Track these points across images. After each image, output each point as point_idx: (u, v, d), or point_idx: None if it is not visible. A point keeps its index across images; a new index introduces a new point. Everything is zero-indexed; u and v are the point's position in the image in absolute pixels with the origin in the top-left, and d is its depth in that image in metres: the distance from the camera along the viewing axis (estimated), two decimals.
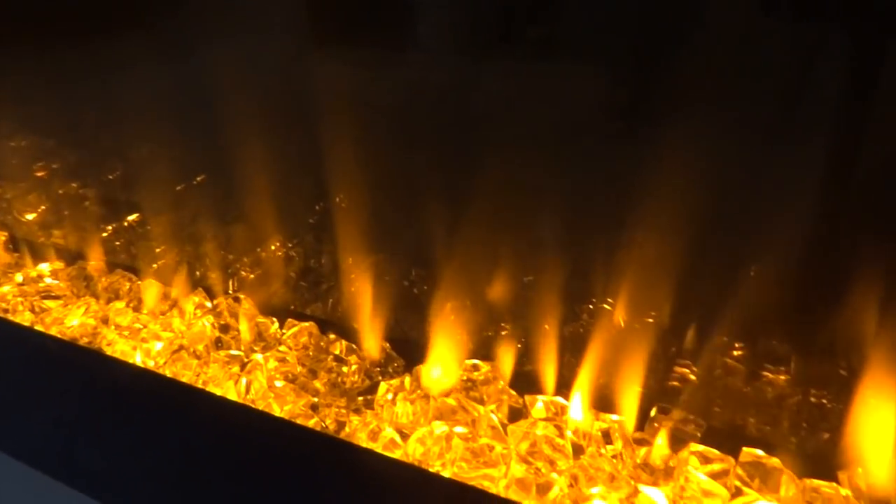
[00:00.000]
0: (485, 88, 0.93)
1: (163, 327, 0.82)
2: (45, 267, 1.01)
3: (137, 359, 0.79)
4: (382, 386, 0.70)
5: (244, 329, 0.79)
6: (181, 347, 0.76)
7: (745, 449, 0.59)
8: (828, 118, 0.72)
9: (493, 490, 0.59)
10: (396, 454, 0.64)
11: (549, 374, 0.76)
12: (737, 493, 0.56)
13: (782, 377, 0.69)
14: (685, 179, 0.83)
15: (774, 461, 0.57)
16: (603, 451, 0.61)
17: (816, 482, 0.57)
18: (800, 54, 0.75)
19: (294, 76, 1.05)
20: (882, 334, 0.67)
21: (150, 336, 0.81)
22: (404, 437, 0.64)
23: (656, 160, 0.82)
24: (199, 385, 0.75)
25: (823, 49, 0.76)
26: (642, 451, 0.61)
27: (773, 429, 0.66)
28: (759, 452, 0.58)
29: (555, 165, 0.83)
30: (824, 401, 0.68)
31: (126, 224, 1.08)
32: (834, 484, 0.57)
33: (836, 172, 0.74)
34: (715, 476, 0.57)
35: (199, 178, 1.12)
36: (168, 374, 0.76)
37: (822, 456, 0.62)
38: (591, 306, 0.80)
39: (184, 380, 0.75)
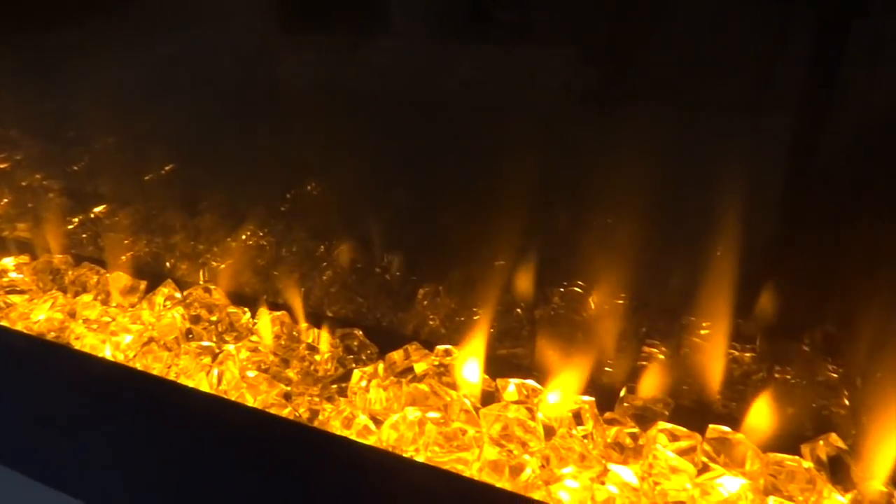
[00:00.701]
0: (457, 72, 0.93)
1: (132, 320, 0.81)
2: (8, 261, 0.99)
3: (107, 352, 0.78)
4: (356, 373, 0.70)
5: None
6: (151, 340, 0.76)
7: (711, 426, 0.60)
8: (793, 101, 0.74)
9: (466, 473, 0.60)
10: (370, 440, 0.64)
11: (520, 357, 0.76)
12: (704, 468, 0.58)
13: (748, 355, 0.70)
14: (655, 161, 0.84)
15: (739, 436, 0.59)
16: (574, 431, 0.62)
17: (780, 456, 0.58)
18: (768, 38, 0.76)
19: (262, 63, 1.04)
20: (844, 311, 0.69)
21: (120, 329, 0.80)
22: (378, 423, 0.65)
23: (627, 142, 0.82)
24: (171, 377, 0.75)
25: (791, 32, 0.77)
26: (613, 430, 0.62)
27: (739, 405, 0.67)
28: (725, 429, 0.60)
29: (526, 148, 0.84)
30: (788, 377, 0.69)
31: (92, 216, 1.07)
32: (796, 457, 0.58)
33: (802, 155, 0.76)
34: (682, 453, 0.58)
35: (166, 168, 1.11)
36: (139, 366, 0.76)
37: (786, 430, 0.64)
38: (562, 289, 0.80)
39: (155, 372, 0.74)
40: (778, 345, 0.70)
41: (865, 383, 0.67)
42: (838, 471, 0.57)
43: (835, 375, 0.68)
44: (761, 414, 0.64)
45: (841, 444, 0.59)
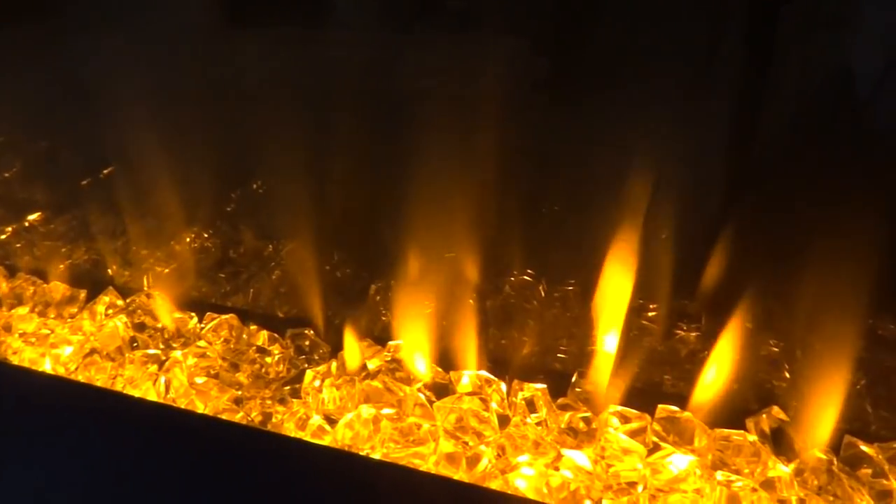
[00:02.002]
0: (406, 63, 0.92)
1: (72, 331, 0.78)
2: None
3: (47, 366, 0.75)
4: (308, 373, 0.69)
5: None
6: (93, 351, 0.73)
7: (660, 406, 0.61)
8: (732, 86, 0.76)
9: (423, 467, 0.60)
10: (326, 440, 0.64)
11: (474, 348, 0.77)
12: (654, 448, 0.59)
13: (693, 334, 0.72)
14: (603, 149, 0.85)
15: (687, 415, 0.60)
16: (528, 419, 0.63)
17: (727, 431, 0.60)
18: (712, 25, 0.77)
19: (204, 59, 1.01)
20: (783, 287, 0.71)
21: (59, 341, 0.77)
22: (332, 422, 0.64)
23: (576, 131, 0.83)
24: (117, 388, 0.73)
25: (727, 18, 0.79)
26: (566, 416, 0.63)
27: (687, 383, 0.69)
28: (674, 408, 0.61)
29: (476, 139, 0.84)
30: (734, 355, 0.71)
31: (27, 224, 1.02)
32: (742, 431, 0.60)
33: (740, 138, 0.78)
34: (633, 434, 0.59)
35: (105, 171, 1.07)
36: (81, 379, 0.73)
37: (732, 406, 0.66)
38: (512, 279, 0.81)
39: (99, 384, 0.72)
40: (721, 323, 0.72)
41: (805, 355, 0.69)
42: (781, 442, 0.60)
43: (776, 350, 0.71)
44: (708, 391, 0.65)
45: (783, 415, 0.61)
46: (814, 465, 0.57)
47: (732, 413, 0.63)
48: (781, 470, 0.57)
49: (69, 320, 0.82)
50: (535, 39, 0.88)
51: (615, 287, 0.79)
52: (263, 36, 1.04)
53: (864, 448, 0.58)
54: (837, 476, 0.57)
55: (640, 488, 0.56)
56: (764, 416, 0.60)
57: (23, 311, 0.83)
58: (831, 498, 0.56)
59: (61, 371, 0.74)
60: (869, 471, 0.57)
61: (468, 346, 0.76)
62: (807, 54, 0.75)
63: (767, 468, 0.57)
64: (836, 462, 0.57)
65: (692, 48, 0.81)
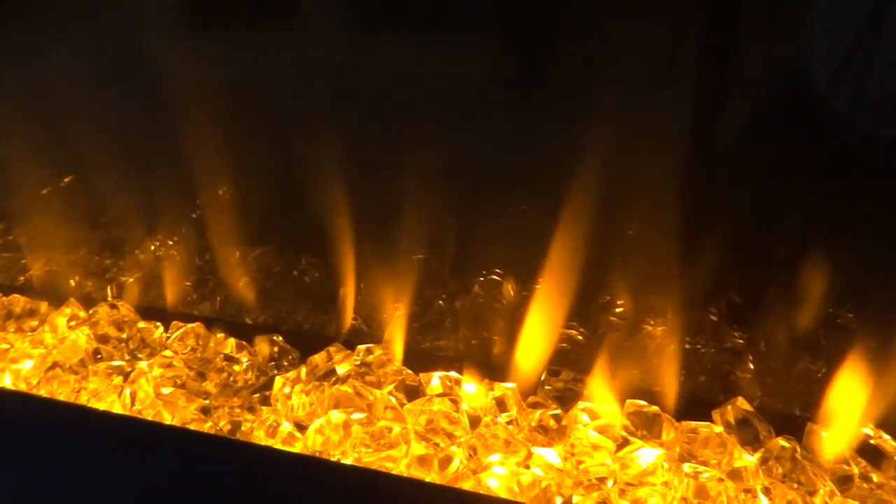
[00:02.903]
0: (373, 65, 0.92)
1: (33, 344, 0.76)
2: None
3: (7, 381, 0.73)
4: (278, 380, 0.69)
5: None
6: (55, 364, 0.71)
7: (628, 400, 0.62)
8: (696, 82, 0.77)
9: (395, 470, 0.60)
10: (297, 447, 0.63)
11: (444, 348, 0.77)
12: (623, 443, 0.60)
13: (660, 329, 0.73)
14: (569, 148, 0.86)
15: (654, 409, 0.61)
16: (499, 418, 0.63)
17: (693, 423, 0.61)
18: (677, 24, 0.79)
19: (166, 65, 0.99)
20: (746, 280, 0.72)
21: (20, 355, 0.75)
22: (302, 429, 0.63)
23: (542, 130, 0.84)
24: (82, 401, 0.71)
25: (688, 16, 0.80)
26: (536, 413, 0.64)
27: (656, 378, 0.70)
28: (642, 402, 0.62)
29: (443, 139, 0.84)
30: (698, 346, 0.73)
31: None
32: (709, 423, 0.61)
33: (704, 134, 0.79)
34: (602, 430, 0.60)
35: (66, 180, 1.05)
36: (43, 393, 0.71)
37: (698, 398, 0.67)
38: (481, 278, 0.81)
39: (61, 398, 0.70)
40: (687, 317, 0.73)
41: (768, 346, 0.71)
42: (747, 432, 0.61)
43: (740, 342, 0.72)
44: (674, 384, 0.66)
45: (748, 406, 0.62)
46: (778, 454, 0.58)
47: (700, 405, 0.64)
48: (747, 459, 0.58)
49: (30, 334, 0.80)
50: (504, 40, 0.88)
51: (584, 284, 0.79)
52: (228, 39, 1.03)
53: (826, 435, 0.59)
54: (801, 463, 0.58)
55: (609, 483, 0.56)
56: (729, 407, 0.61)
57: None
58: (795, 485, 0.57)
59: (22, 386, 0.73)
60: (831, 457, 0.58)
61: (438, 347, 0.76)
62: (768, 52, 0.77)
63: (734, 458, 0.58)
64: (799, 450, 0.59)
65: (658, 46, 0.82)
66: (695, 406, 0.65)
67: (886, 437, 0.59)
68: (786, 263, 0.72)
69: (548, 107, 0.87)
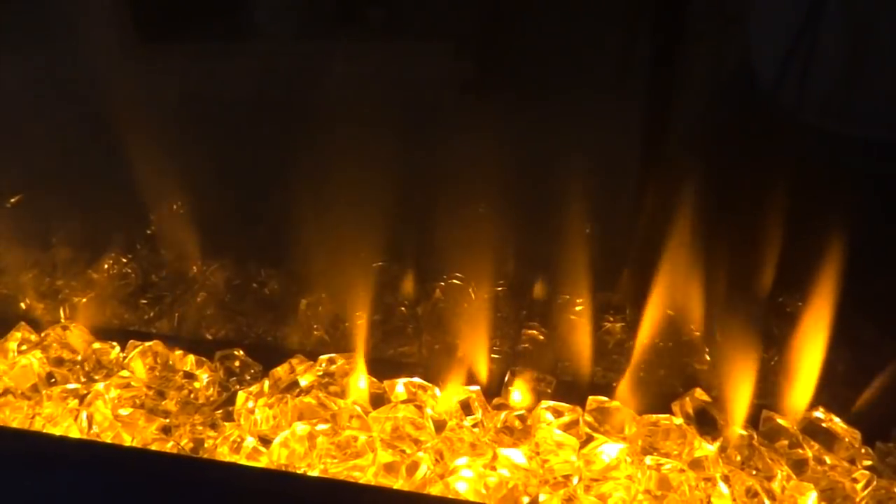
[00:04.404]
0: (328, 72, 0.91)
1: None
2: None
3: None
4: (241, 395, 0.68)
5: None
6: (6, 391, 0.69)
7: (591, 397, 0.63)
8: (647, 84, 0.78)
9: (363, 480, 0.60)
10: (262, 462, 0.62)
11: (407, 355, 0.77)
12: (587, 439, 0.60)
13: (619, 325, 0.74)
14: (525, 150, 0.87)
15: (615, 404, 0.62)
16: (465, 422, 0.63)
17: (654, 416, 0.62)
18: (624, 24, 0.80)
19: (118, 78, 0.98)
20: (698, 275, 0.74)
21: None
22: (267, 443, 0.63)
23: (496, 133, 0.85)
24: (37, 428, 0.69)
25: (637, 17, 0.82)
26: (502, 414, 0.64)
27: (616, 374, 0.71)
28: (603, 398, 0.63)
29: (401, 145, 0.84)
30: (658, 342, 0.74)
31: None
32: (669, 415, 0.62)
33: (656, 133, 0.81)
34: (566, 427, 0.61)
35: (12, 200, 1.02)
36: None
37: (660, 391, 0.68)
38: (442, 283, 0.82)
39: (15, 425, 0.68)
40: (645, 312, 0.74)
41: (722, 337, 0.73)
42: (705, 422, 0.62)
43: (697, 333, 0.74)
44: (635, 379, 0.68)
45: (705, 396, 0.63)
46: (736, 442, 0.60)
47: (661, 398, 0.66)
48: (707, 449, 0.59)
49: None
50: (460, 43, 0.89)
51: (543, 285, 0.80)
52: (179, 50, 1.01)
53: (780, 421, 0.61)
54: (758, 450, 0.59)
55: (574, 480, 0.57)
56: (688, 398, 0.63)
57: None
58: (754, 472, 0.59)
59: None
60: (786, 442, 0.60)
61: (402, 353, 0.76)
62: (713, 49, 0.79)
63: (694, 448, 0.60)
64: (755, 437, 0.60)
65: (608, 46, 0.84)
66: (655, 399, 0.66)
67: (836, 419, 0.61)
68: (737, 255, 0.74)
69: (505, 109, 0.88)
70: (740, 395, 0.63)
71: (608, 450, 0.58)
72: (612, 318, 0.76)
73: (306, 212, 0.85)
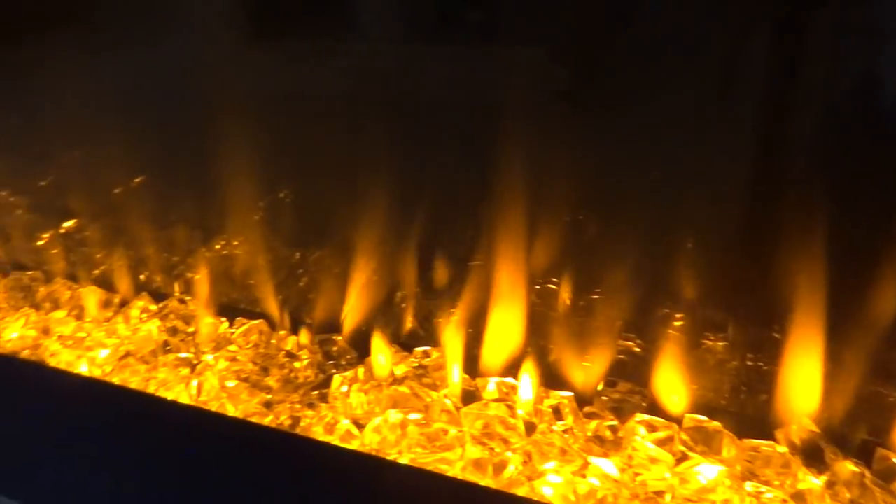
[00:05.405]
0: (427, 75, 0.93)
1: (107, 334, 0.80)
2: None
3: (83, 368, 0.77)
4: (336, 378, 0.70)
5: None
6: (128, 354, 0.75)
7: (687, 415, 0.61)
8: (760, 99, 0.75)
9: (450, 473, 0.61)
10: (353, 445, 0.64)
11: (499, 355, 0.77)
12: (682, 457, 0.59)
13: (721, 344, 0.72)
14: (627, 158, 0.85)
15: (715, 425, 0.60)
16: (554, 427, 0.63)
17: (755, 441, 0.60)
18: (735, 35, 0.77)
19: (232, 71, 1.03)
20: (811, 298, 0.70)
21: (95, 344, 0.79)
22: (360, 427, 0.65)
23: (598, 140, 0.84)
24: (150, 390, 0.74)
25: (753, 27, 0.79)
26: (592, 424, 0.63)
27: (715, 394, 0.69)
28: (702, 417, 0.61)
29: (498, 149, 0.84)
30: (760, 364, 0.71)
31: (62, 231, 1.05)
32: (772, 442, 0.60)
33: (769, 148, 0.78)
34: (661, 443, 0.59)
35: (137, 180, 1.09)
36: (116, 381, 0.75)
37: (761, 416, 0.65)
38: (538, 287, 0.81)
39: (133, 386, 0.74)
40: (749, 333, 0.71)
41: (836, 368, 0.69)
42: (812, 454, 0.59)
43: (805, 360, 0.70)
44: (736, 401, 0.65)
45: (813, 427, 0.60)
46: (846, 478, 0.56)
47: (761, 424, 0.63)
48: (812, 482, 0.56)
49: (104, 324, 0.84)
50: (557, 49, 0.89)
51: (640, 296, 0.78)
52: (286, 48, 1.06)
53: None
54: (870, 489, 0.56)
55: (668, 497, 0.56)
56: (794, 427, 0.60)
57: (60, 314, 0.85)
58: None
59: (97, 373, 0.76)
60: None
61: (494, 352, 0.76)
62: (834, 62, 0.75)
63: (798, 480, 0.57)
64: (868, 475, 0.57)
65: (717, 55, 0.81)
66: (756, 424, 0.63)
67: None
68: (857, 279, 0.69)
69: (604, 116, 0.87)
70: (852, 430, 0.60)
71: (705, 471, 0.56)
72: (713, 336, 0.73)
73: (403, 209, 0.86)
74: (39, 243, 1.04)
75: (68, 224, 1.05)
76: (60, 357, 0.79)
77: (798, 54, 0.73)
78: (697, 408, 0.64)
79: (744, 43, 0.77)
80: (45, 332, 0.84)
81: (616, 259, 0.81)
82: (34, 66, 1.05)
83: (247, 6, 1.02)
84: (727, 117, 0.79)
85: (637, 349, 0.73)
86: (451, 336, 0.73)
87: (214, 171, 1.03)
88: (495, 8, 0.93)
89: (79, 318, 0.86)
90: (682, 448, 0.59)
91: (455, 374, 0.68)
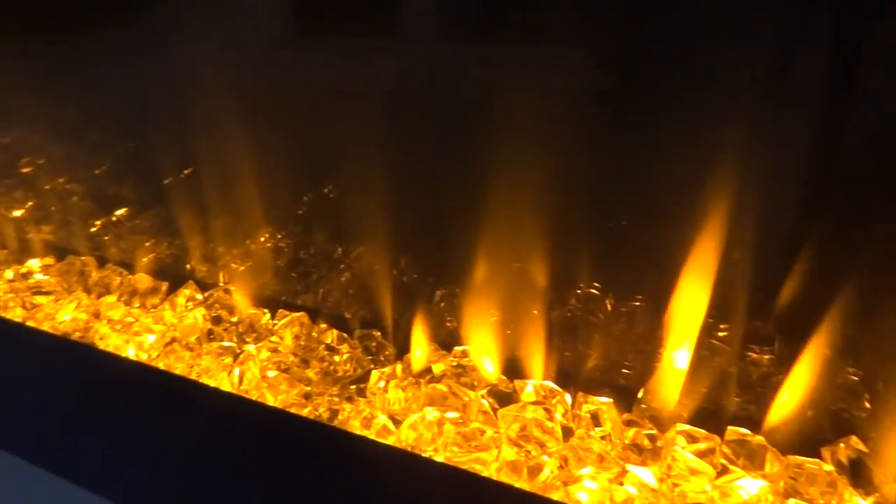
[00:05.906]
0: (469, 74, 0.93)
1: (155, 320, 0.82)
2: (34, 263, 1.01)
3: (130, 352, 0.80)
4: (374, 374, 0.71)
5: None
6: (173, 340, 0.77)
7: (730, 427, 0.60)
8: (812, 105, 0.73)
9: (485, 473, 0.61)
10: (389, 440, 0.65)
11: (538, 358, 0.77)
12: (723, 470, 0.58)
13: (766, 357, 0.70)
14: (670, 163, 0.84)
15: (759, 439, 0.58)
16: (592, 432, 0.62)
17: (800, 458, 0.58)
18: (787, 39, 0.75)
19: (279, 67, 1.05)
20: (864, 313, 0.68)
21: (143, 329, 0.81)
22: (397, 423, 0.65)
23: (641, 144, 0.82)
24: (193, 377, 0.76)
25: (810, 34, 0.77)
26: (631, 431, 0.62)
27: (759, 407, 0.67)
28: (745, 431, 0.60)
29: (542, 149, 0.84)
30: (809, 381, 0.69)
31: (115, 218, 1.08)
32: (817, 460, 0.58)
33: (819, 156, 0.75)
34: (701, 455, 0.58)
35: (186, 171, 1.12)
36: (161, 366, 0.77)
37: (806, 433, 0.63)
38: (578, 291, 0.81)
39: (177, 372, 0.76)
40: (796, 347, 0.69)
41: (887, 386, 0.66)
42: (859, 474, 0.57)
43: (855, 378, 0.68)
44: (780, 416, 0.63)
45: (862, 446, 0.58)
46: (895, 501, 0.55)
47: (806, 441, 0.61)
48: (859, 503, 0.55)
49: (152, 310, 0.86)
50: (601, 51, 0.88)
51: (685, 304, 0.77)
52: (331, 45, 1.07)
53: None
54: None
55: None
56: (842, 445, 0.58)
57: (110, 299, 0.88)
58: None
59: (144, 357, 0.78)
60: None
61: (532, 355, 0.76)
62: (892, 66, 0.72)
63: (843, 500, 0.55)
64: None
65: (767, 58, 0.79)
66: (801, 441, 0.62)
67: None
68: None
69: (646, 120, 0.86)
70: None
71: (747, 485, 0.55)
72: (758, 349, 0.71)
73: (448, 207, 0.87)
74: (93, 230, 1.08)
75: (120, 212, 1.08)
76: (109, 341, 0.81)
77: (852, 59, 0.71)
78: (740, 421, 0.63)
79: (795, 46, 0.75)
80: (96, 315, 0.87)
81: (659, 266, 0.80)
82: (94, 59, 1.09)
83: (293, 2, 1.03)
84: (775, 125, 0.77)
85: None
86: (489, 337, 0.73)
87: (260, 165, 1.05)
88: (539, 9, 0.93)
89: (128, 303, 0.89)
90: (724, 461, 0.58)
91: (490, 373, 0.68)
